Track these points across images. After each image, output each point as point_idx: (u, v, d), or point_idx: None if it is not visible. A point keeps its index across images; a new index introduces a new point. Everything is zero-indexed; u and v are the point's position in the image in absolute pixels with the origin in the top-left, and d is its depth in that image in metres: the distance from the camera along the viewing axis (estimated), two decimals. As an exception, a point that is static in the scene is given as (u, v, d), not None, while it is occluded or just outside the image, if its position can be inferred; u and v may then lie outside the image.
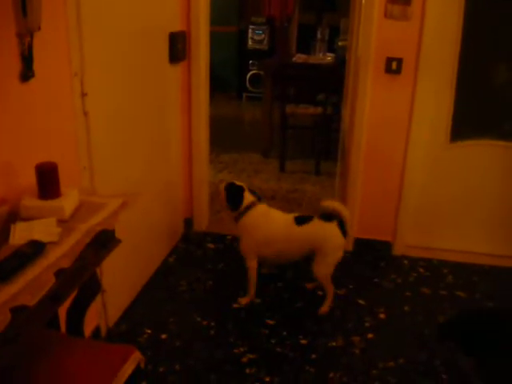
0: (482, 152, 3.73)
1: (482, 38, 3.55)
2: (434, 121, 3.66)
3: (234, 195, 3.22)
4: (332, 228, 3.14)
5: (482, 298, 3.47)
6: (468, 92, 3.63)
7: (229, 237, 4.13)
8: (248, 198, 3.22)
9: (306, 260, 3.28)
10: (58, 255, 1.60)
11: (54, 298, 1.57)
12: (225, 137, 6.70)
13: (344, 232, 3.16)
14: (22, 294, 1.41)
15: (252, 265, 3.28)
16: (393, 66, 3.54)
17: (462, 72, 3.56)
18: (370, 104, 3.67)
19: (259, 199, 3.30)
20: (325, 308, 3.26)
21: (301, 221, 3.20)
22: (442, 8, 3.39)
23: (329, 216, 3.17)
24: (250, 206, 3.20)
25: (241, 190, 3.23)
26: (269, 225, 3.21)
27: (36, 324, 1.56)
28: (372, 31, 3.50)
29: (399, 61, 3.52)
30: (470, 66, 3.57)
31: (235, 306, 3.30)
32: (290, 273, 3.67)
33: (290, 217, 3.24)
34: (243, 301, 3.32)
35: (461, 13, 3.43)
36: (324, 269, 3.20)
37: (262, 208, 3.25)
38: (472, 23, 3.46)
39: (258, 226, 3.20)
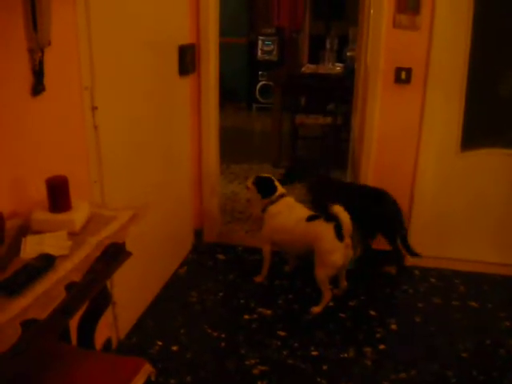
0: (493, 161, 3.71)
1: (492, 46, 3.54)
2: (445, 130, 3.65)
3: (265, 185, 3.58)
4: (327, 228, 3.25)
5: (495, 307, 3.45)
6: (478, 101, 3.62)
7: (239, 247, 4.13)
8: (279, 189, 3.58)
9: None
10: (69, 269, 1.61)
11: (64, 311, 1.57)
12: (235, 148, 6.71)
13: (340, 236, 3.20)
14: (33, 308, 1.42)
15: (265, 248, 3.63)
16: (402, 76, 3.54)
17: (471, 80, 3.55)
18: (380, 114, 3.67)
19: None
20: (317, 308, 3.35)
21: (310, 218, 3.40)
22: (450, 17, 3.39)
23: (331, 217, 3.25)
24: (280, 197, 3.54)
25: (271, 180, 3.60)
26: (286, 216, 3.49)
27: (46, 337, 1.57)
28: (381, 41, 3.52)
29: (408, 70, 3.52)
30: (480, 75, 3.56)
31: (258, 280, 3.67)
32: (300, 282, 3.67)
33: (306, 214, 3.45)
34: (257, 279, 3.68)
35: (469, 21, 3.43)
36: (321, 270, 3.29)
37: (288, 200, 3.57)
38: (481, 31, 3.45)
39: (279, 214, 3.50)
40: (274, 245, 3.63)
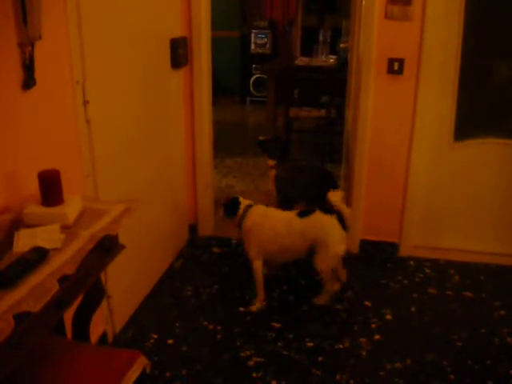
0: (487, 150, 3.72)
1: (484, 35, 3.54)
2: (438, 120, 3.65)
3: (229, 205, 3.37)
4: (331, 221, 3.20)
5: (489, 297, 3.46)
6: (471, 90, 3.62)
7: (234, 241, 4.13)
8: (244, 202, 3.37)
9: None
10: (62, 262, 1.61)
11: (57, 304, 1.58)
12: (229, 141, 6.71)
13: (344, 226, 3.21)
14: (26, 301, 1.42)
15: (257, 266, 3.31)
16: (395, 67, 3.54)
17: (464, 70, 3.55)
18: (373, 105, 3.67)
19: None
20: (320, 300, 3.33)
21: (303, 214, 3.30)
22: (442, 7, 3.39)
23: (330, 209, 3.22)
24: (247, 209, 3.33)
25: (235, 198, 3.40)
26: (271, 221, 3.29)
27: (40, 330, 1.57)
28: (373, 32, 3.51)
29: (401, 61, 3.52)
30: (472, 64, 3.56)
31: (241, 309, 3.32)
32: (294, 273, 3.67)
33: (293, 212, 3.35)
34: (254, 308, 3.30)
35: (461, 11, 3.43)
36: (326, 262, 3.22)
37: (259, 208, 3.37)
38: (473, 21, 3.45)
39: (261, 224, 3.28)
40: (269, 256, 3.38)
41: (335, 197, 3.27)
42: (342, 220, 3.21)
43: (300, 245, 3.26)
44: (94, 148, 2.56)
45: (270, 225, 3.28)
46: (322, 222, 3.22)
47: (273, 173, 3.95)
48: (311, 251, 3.25)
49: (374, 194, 3.87)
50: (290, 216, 3.32)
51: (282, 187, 3.95)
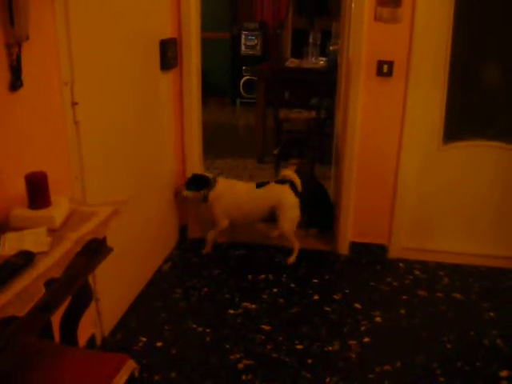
0: (476, 153, 3.73)
1: (473, 37, 3.56)
2: (427, 122, 3.66)
3: (192, 181, 3.89)
4: (285, 188, 3.87)
5: (479, 299, 3.47)
6: (460, 92, 3.64)
7: (224, 243, 4.12)
8: (209, 175, 3.97)
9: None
10: (48, 265, 1.59)
11: (44, 308, 1.56)
12: (220, 143, 6.70)
13: (296, 193, 3.85)
14: (12, 305, 1.40)
15: (223, 224, 3.95)
16: (384, 69, 3.54)
17: (453, 72, 3.56)
18: (363, 107, 3.67)
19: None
20: (292, 259, 3.87)
21: (260, 185, 3.95)
22: (431, 9, 3.40)
23: (283, 181, 3.92)
24: (214, 182, 3.89)
25: (197, 175, 3.93)
26: (234, 192, 3.93)
27: (26, 334, 1.55)
28: (362, 34, 3.52)
29: (390, 64, 3.53)
30: (462, 67, 3.58)
31: (204, 251, 3.99)
32: (285, 277, 3.67)
33: (252, 184, 4.02)
34: (204, 251, 4.00)
35: (451, 13, 3.44)
36: (287, 224, 3.85)
37: (224, 181, 4.02)
38: (463, 23, 3.47)
39: (227, 194, 3.90)
40: (233, 220, 4.00)
41: (286, 171, 3.98)
42: (294, 188, 3.85)
43: (259, 209, 3.93)
44: (82, 150, 2.54)
45: (234, 195, 3.92)
46: (277, 190, 3.88)
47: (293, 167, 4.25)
48: (272, 215, 3.90)
49: (364, 196, 3.87)
50: (249, 187, 3.98)
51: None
